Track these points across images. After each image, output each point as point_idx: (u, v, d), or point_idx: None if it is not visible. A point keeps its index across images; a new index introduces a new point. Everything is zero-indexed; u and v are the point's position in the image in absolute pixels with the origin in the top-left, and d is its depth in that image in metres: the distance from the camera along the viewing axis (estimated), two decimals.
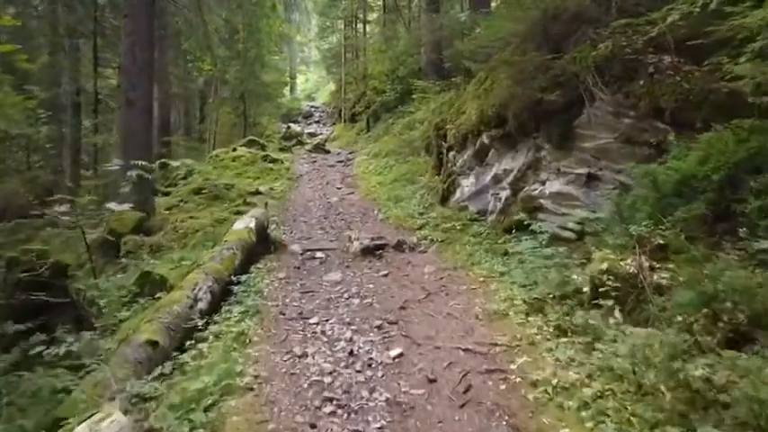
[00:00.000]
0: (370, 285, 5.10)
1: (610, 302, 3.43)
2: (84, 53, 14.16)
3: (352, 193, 11.04)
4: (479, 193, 7.23)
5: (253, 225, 5.87)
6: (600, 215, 4.79)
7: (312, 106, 29.26)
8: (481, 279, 5.02)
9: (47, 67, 13.23)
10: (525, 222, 5.57)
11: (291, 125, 19.00)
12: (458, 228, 6.84)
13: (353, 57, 22.94)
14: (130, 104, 8.65)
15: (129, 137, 8.65)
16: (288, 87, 30.63)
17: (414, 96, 13.31)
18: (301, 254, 6.29)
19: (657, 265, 3.47)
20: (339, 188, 11.59)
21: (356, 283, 5.21)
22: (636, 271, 3.43)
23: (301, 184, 12.08)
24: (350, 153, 16.13)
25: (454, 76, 11.69)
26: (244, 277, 5.00)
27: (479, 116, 6.88)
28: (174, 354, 3.48)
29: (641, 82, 4.66)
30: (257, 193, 10.06)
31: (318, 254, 6.29)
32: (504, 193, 6.65)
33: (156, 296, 4.86)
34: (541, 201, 5.96)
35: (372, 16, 23.00)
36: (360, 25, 22.45)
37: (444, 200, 8.04)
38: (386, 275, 5.45)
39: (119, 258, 7.43)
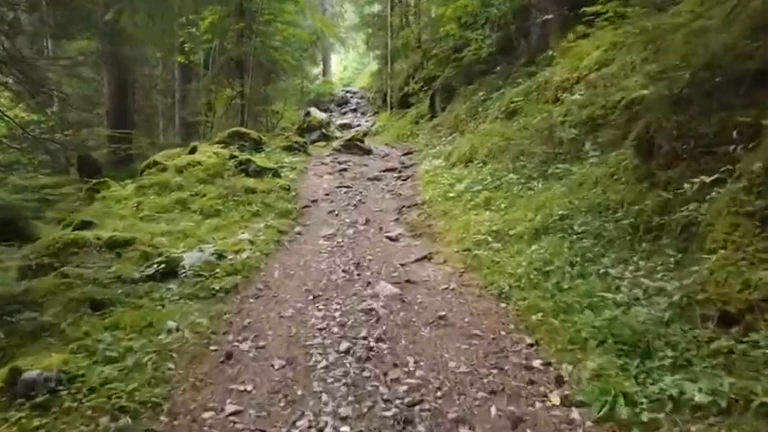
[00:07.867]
0: None
1: None
2: None
3: (428, 258, 4.34)
4: None
5: None
6: None
7: (348, 91, 22.59)
8: None
9: None
10: None
11: (312, 111, 12.46)
12: None
13: (403, 22, 16.14)
14: None
15: None
16: (320, 69, 24.10)
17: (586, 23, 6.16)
18: None
19: None
20: (393, 240, 4.92)
21: None
22: None
23: (308, 227, 5.46)
24: (405, 154, 9.41)
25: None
26: None
27: None
28: None
29: None
30: (169, 272, 3.47)
31: None
32: None
33: None
34: None
35: None
36: None
37: None
38: None
39: None
